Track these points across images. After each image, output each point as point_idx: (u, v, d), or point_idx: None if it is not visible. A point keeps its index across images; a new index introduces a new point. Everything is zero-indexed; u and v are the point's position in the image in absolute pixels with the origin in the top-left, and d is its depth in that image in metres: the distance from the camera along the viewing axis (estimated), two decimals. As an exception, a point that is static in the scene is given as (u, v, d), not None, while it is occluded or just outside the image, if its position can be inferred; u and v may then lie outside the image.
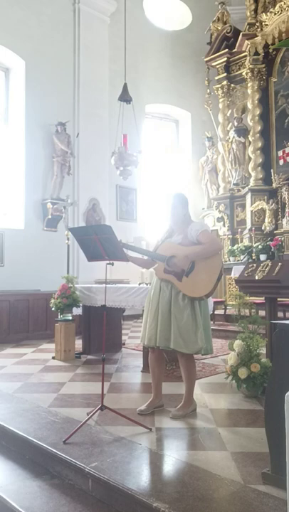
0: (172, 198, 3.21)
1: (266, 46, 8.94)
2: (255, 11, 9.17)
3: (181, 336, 2.96)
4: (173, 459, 2.42)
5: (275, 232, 8.67)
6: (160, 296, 3.09)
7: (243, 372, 3.48)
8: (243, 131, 9.72)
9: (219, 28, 10.04)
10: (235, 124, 9.83)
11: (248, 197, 9.21)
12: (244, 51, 9.42)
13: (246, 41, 9.15)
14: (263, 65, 9.26)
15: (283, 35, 8.48)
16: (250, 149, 9.38)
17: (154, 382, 3.31)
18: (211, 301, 5.05)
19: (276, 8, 8.54)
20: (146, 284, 4.63)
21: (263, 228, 8.84)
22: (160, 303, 3.07)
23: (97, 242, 2.99)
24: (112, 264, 3.11)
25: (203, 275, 2.99)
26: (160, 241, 3.26)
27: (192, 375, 3.21)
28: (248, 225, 9.16)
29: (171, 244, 3.13)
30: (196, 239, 3.06)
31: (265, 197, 8.99)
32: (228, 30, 9.83)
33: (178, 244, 3.11)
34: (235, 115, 9.94)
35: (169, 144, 12.01)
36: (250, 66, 9.25)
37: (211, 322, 8.10)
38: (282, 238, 8.32)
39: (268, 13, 8.67)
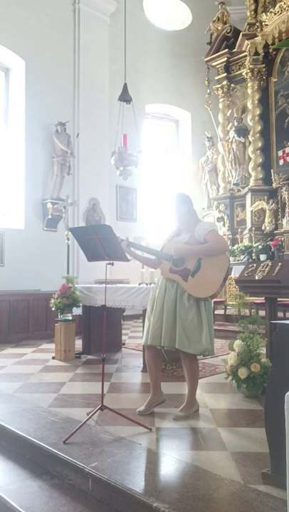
0: (174, 199, 3.19)
1: (266, 46, 8.93)
2: (255, 11, 9.16)
3: (186, 336, 2.94)
4: (173, 459, 2.42)
5: (275, 232, 8.66)
6: (165, 295, 3.05)
7: (243, 372, 3.48)
8: (243, 131, 9.72)
9: (219, 28, 10.03)
10: (235, 124, 9.83)
11: (248, 197, 9.20)
12: (244, 51, 9.41)
13: (246, 41, 9.14)
14: (263, 65, 9.25)
15: (283, 35, 8.47)
16: (250, 149, 9.37)
17: (151, 380, 3.29)
18: (211, 301, 5.05)
19: (276, 8, 8.52)
20: (147, 284, 4.63)
21: (263, 228, 8.84)
22: (165, 303, 3.04)
23: (97, 242, 2.99)
24: (112, 264, 3.09)
25: (208, 275, 2.95)
26: (167, 240, 3.24)
27: (195, 376, 3.20)
28: (248, 225, 9.15)
29: (178, 243, 3.09)
30: (204, 238, 3.01)
31: (265, 197, 8.99)
32: (228, 30, 9.82)
33: (184, 243, 3.07)
34: (235, 115, 9.93)
35: (169, 143, 12.01)
36: (250, 66, 9.24)
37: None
38: (282, 238, 8.32)
39: (268, 13, 8.66)
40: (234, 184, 9.84)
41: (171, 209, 3.19)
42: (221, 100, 10.06)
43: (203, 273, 2.96)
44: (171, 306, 3.01)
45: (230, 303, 8.12)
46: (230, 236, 9.62)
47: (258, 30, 8.94)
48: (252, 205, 9.06)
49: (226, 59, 9.86)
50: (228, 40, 9.80)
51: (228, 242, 9.56)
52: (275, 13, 8.50)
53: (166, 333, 2.99)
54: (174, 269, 3.04)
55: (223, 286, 3.00)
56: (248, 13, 9.23)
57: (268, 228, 8.72)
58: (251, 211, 9.06)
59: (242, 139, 9.71)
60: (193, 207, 3.23)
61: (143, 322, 4.66)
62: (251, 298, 5.02)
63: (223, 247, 3.01)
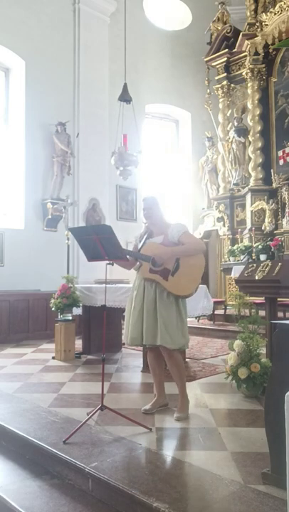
0: (148, 201, 3.28)
1: (266, 46, 8.92)
2: (255, 11, 9.15)
3: (168, 331, 3.04)
4: (173, 459, 2.42)
5: (275, 232, 8.66)
6: (145, 295, 3.15)
7: (243, 372, 3.48)
8: (243, 131, 9.71)
9: (219, 28, 10.03)
10: (235, 124, 9.82)
11: (248, 197, 9.20)
12: (244, 51, 9.41)
13: (246, 41, 9.14)
14: (263, 65, 9.25)
15: (283, 35, 8.46)
16: (250, 149, 9.37)
17: (155, 381, 3.36)
18: (211, 301, 5.06)
19: (276, 8, 8.52)
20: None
21: (263, 228, 8.83)
22: (145, 302, 3.14)
23: (97, 242, 2.99)
24: (112, 264, 3.15)
25: (188, 274, 3.10)
26: (139, 242, 3.32)
27: (182, 372, 3.26)
28: (248, 225, 9.15)
29: (155, 244, 3.18)
30: (178, 240, 3.15)
31: (265, 197, 8.98)
32: (228, 30, 9.82)
33: (159, 244, 3.17)
34: (235, 115, 9.93)
35: (169, 143, 12.00)
36: (250, 66, 9.24)
37: (211, 322, 8.15)
38: (282, 238, 8.31)
39: (268, 13, 8.66)
40: (234, 184, 9.84)
41: (145, 211, 3.28)
42: (221, 100, 10.06)
43: (182, 272, 3.10)
44: (151, 305, 3.11)
45: (230, 303, 8.11)
46: (230, 236, 9.63)
47: (258, 30, 8.93)
48: (252, 205, 9.06)
49: (225, 59, 9.86)
50: (228, 40, 9.80)
51: (228, 242, 9.57)
52: (275, 13, 8.50)
53: (148, 331, 3.09)
54: (154, 270, 3.13)
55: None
56: (248, 13, 9.23)
57: (268, 228, 8.72)
58: (251, 211, 9.06)
59: (242, 139, 9.70)
60: (162, 210, 3.34)
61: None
62: (251, 298, 5.02)
63: (201, 248, 3.22)
